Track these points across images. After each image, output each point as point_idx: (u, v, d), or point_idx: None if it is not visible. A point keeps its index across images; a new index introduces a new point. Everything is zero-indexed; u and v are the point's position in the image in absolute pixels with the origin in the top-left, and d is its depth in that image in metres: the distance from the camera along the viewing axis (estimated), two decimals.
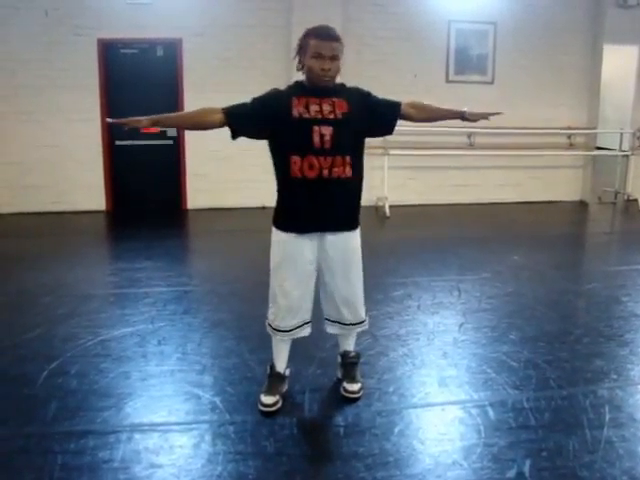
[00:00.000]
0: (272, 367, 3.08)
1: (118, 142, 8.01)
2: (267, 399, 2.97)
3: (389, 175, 8.05)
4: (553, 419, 2.91)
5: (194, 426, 2.86)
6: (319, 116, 2.71)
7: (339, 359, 3.26)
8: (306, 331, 3.04)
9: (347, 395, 3.09)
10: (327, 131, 2.70)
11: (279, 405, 2.97)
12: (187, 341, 3.85)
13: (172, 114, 3.02)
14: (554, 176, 9.09)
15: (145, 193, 8.21)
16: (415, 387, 3.28)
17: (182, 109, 7.91)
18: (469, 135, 8.56)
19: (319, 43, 2.65)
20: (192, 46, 7.84)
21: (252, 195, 7.75)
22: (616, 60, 9.13)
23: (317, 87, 2.73)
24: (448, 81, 8.58)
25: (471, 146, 8.61)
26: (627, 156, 9.07)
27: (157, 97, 7.97)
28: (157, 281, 5.10)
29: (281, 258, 2.88)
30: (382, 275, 5.26)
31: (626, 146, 9.17)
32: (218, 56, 7.92)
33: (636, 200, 8.86)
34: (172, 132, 8.07)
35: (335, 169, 2.74)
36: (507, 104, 8.62)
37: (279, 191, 2.87)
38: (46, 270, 5.44)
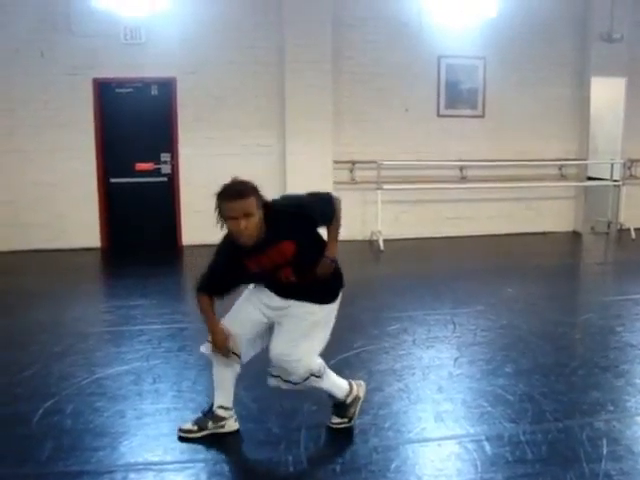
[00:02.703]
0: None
1: (113, 179, 8.07)
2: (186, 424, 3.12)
3: (383, 209, 8.10)
4: (550, 452, 2.91)
5: (189, 465, 2.85)
6: (273, 265, 2.83)
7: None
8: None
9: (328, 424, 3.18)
10: (288, 271, 2.87)
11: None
12: (182, 379, 3.84)
13: (207, 318, 3.01)
14: (546, 207, 9.16)
15: (140, 230, 8.24)
16: (411, 422, 3.27)
17: (176, 147, 8.06)
18: (461, 168, 8.65)
19: (229, 205, 2.65)
20: (186, 84, 7.95)
21: None
22: (604, 92, 9.28)
23: (248, 245, 2.74)
24: (439, 115, 8.69)
25: (463, 179, 8.69)
26: (618, 186, 9.16)
27: (152, 135, 8.07)
28: (152, 318, 5.10)
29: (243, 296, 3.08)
30: (377, 310, 5.27)
31: (617, 176, 9.27)
32: (212, 94, 8.02)
33: (629, 229, 8.92)
34: (166, 169, 8.13)
35: (292, 278, 2.91)
36: (498, 137, 8.80)
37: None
38: (42, 308, 5.43)
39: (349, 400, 3.16)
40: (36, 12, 7.52)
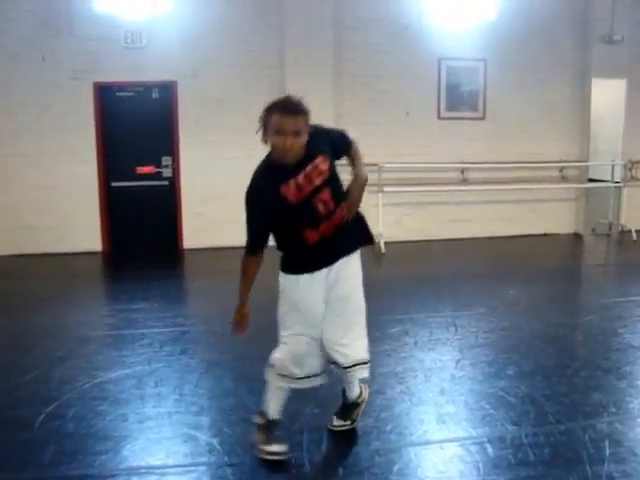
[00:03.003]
0: (264, 414, 2.96)
1: (114, 183, 8.09)
2: (279, 447, 2.88)
3: (384, 212, 8.10)
4: (552, 454, 2.90)
5: (192, 468, 2.85)
6: (312, 187, 2.70)
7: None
8: (318, 381, 2.96)
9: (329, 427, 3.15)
10: (326, 195, 2.73)
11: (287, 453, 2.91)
12: (184, 382, 3.84)
13: (244, 286, 2.85)
14: (548, 209, 9.16)
15: (141, 233, 8.25)
16: (413, 425, 3.27)
17: (177, 151, 8.06)
18: (462, 171, 8.65)
19: (281, 119, 2.58)
20: (187, 88, 7.96)
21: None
22: (605, 93, 9.29)
23: (290, 163, 2.66)
24: (440, 118, 8.70)
25: (464, 181, 8.69)
26: (619, 187, 9.16)
27: (153, 139, 8.09)
28: (154, 322, 5.10)
29: (288, 299, 2.84)
30: (379, 312, 5.24)
31: (618, 177, 9.27)
32: (212, 97, 8.03)
33: (630, 231, 8.92)
34: (167, 173, 8.15)
35: (336, 217, 2.77)
36: (499, 139, 8.80)
37: (290, 248, 2.85)
38: (44, 312, 5.44)
39: (360, 400, 3.17)
40: (37, 16, 7.55)
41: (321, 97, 7.68)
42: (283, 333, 2.86)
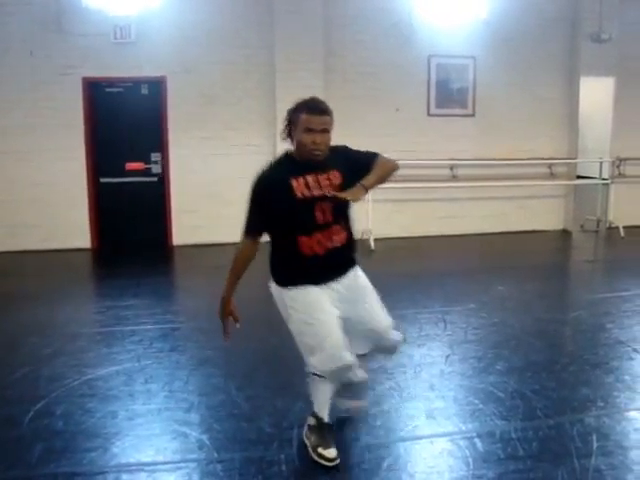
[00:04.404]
0: (319, 418, 2.92)
1: (103, 179, 8.05)
2: (331, 452, 2.84)
3: (373, 208, 8.11)
4: (541, 449, 2.93)
5: (182, 465, 2.84)
6: (319, 193, 2.76)
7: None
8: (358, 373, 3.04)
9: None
10: (327, 206, 2.78)
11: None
12: (174, 379, 3.84)
13: (233, 276, 2.85)
14: (536, 206, 9.20)
15: (131, 230, 8.21)
16: (403, 420, 3.28)
17: (167, 147, 8.03)
18: (451, 167, 8.67)
19: (310, 117, 2.70)
20: (176, 84, 7.93)
21: (237, 231, 7.73)
22: (593, 92, 9.33)
23: (310, 162, 2.77)
24: (429, 114, 8.71)
25: (454, 178, 8.71)
26: (607, 184, 9.22)
27: (142, 135, 8.05)
28: (143, 319, 5.09)
29: (302, 304, 2.81)
30: None
31: (606, 174, 9.33)
32: (202, 93, 8.00)
33: (618, 227, 8.98)
34: (157, 169, 8.12)
35: (335, 237, 2.83)
36: (488, 136, 8.83)
37: (283, 258, 2.88)
38: (32, 309, 5.41)
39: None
40: (26, 11, 7.48)
41: (311, 93, 7.50)
42: (307, 333, 2.81)
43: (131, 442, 3.05)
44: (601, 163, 9.39)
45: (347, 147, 2.97)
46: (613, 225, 9.11)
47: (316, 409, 2.94)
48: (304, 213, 2.75)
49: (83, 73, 7.74)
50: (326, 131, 2.74)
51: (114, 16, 7.40)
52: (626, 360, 4.15)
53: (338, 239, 2.84)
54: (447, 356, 4.18)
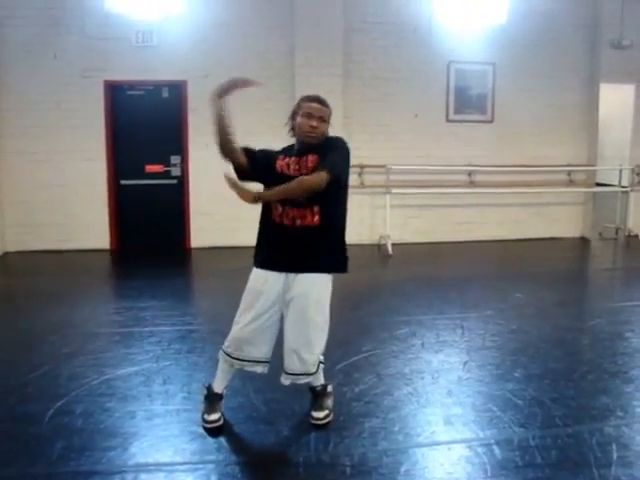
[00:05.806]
0: (210, 388, 3.23)
1: (123, 181, 8.12)
2: (212, 416, 3.15)
3: (391, 213, 8.11)
4: (560, 457, 2.90)
5: (200, 466, 2.86)
6: (296, 173, 2.99)
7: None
8: (258, 368, 3.16)
9: (313, 422, 3.20)
10: None
11: (222, 421, 3.17)
12: (192, 380, 3.86)
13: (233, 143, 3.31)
14: (555, 213, 9.15)
15: (149, 232, 8.28)
16: (421, 426, 3.28)
17: (187, 150, 8.09)
18: (470, 173, 8.65)
19: (310, 104, 3.03)
20: (197, 88, 7.96)
21: (255, 234, 7.77)
22: (613, 98, 9.28)
23: (302, 146, 3.05)
24: (448, 120, 8.70)
25: (472, 184, 8.69)
26: (627, 192, 9.14)
27: (162, 137, 8.12)
28: (162, 320, 5.12)
29: (247, 290, 3.14)
30: (386, 314, 5.28)
31: (625, 182, 9.26)
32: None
33: (637, 236, 8.90)
34: (176, 172, 8.18)
35: (306, 219, 3.01)
36: (506, 142, 8.80)
37: (259, 232, 3.24)
38: (52, 309, 5.46)
39: (329, 389, 3.34)
40: (49, 14, 7.59)
41: (330, 98, 7.47)
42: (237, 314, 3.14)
43: (149, 442, 3.06)
44: (620, 171, 9.32)
45: (339, 142, 3.08)
46: (632, 233, 9.03)
47: (213, 382, 3.23)
48: (278, 185, 2.97)
49: (105, 76, 7.83)
50: (323, 120, 3.02)
51: (136, 20, 7.49)
52: None
53: (310, 220, 3.00)
54: (465, 362, 4.16)
